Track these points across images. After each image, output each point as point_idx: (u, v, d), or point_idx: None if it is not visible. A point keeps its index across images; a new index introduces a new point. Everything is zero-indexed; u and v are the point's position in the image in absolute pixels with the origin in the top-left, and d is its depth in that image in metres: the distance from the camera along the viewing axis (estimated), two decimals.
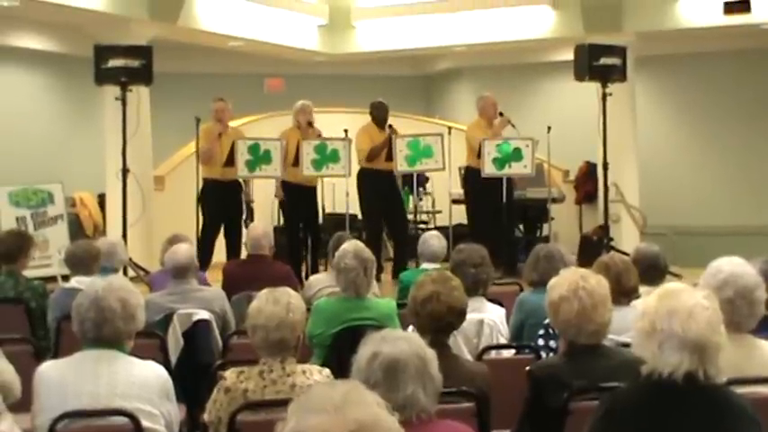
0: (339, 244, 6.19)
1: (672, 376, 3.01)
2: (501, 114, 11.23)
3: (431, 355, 3.02)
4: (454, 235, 10.59)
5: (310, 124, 10.76)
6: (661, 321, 3.04)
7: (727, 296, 3.88)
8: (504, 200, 10.81)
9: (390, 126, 11.09)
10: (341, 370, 3.71)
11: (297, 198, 10.72)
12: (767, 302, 4.07)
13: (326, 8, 14.60)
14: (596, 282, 4.01)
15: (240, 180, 10.66)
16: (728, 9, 12.43)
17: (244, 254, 10.00)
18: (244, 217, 10.83)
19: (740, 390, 3.40)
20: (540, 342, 4.97)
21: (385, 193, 10.97)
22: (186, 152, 12.40)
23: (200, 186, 10.55)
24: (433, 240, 7.47)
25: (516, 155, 10.66)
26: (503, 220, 10.88)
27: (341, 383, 2.10)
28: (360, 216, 11.94)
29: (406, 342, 3.00)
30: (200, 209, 10.45)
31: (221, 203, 10.39)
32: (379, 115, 11.12)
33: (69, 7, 10.91)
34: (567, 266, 4.50)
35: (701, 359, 3.01)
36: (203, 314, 6.08)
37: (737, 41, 14.08)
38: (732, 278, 3.98)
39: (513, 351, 5.37)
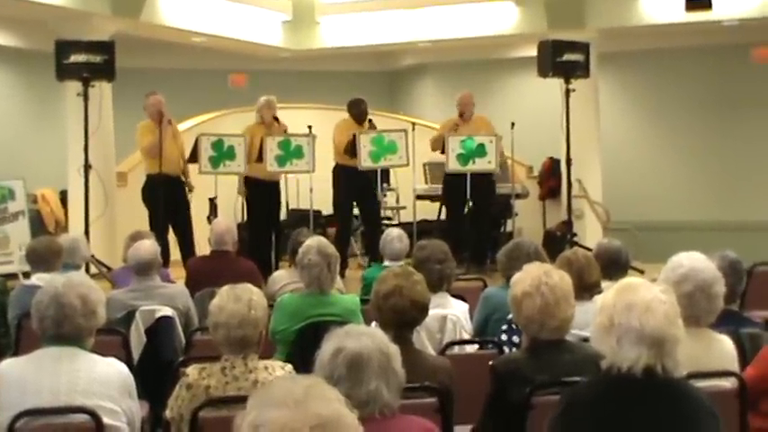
0: (299, 240, 6.18)
1: (631, 370, 3.03)
2: (370, 121, 11.22)
3: (394, 350, 3.02)
4: (418, 231, 10.61)
5: (276, 119, 10.73)
6: (619, 316, 3.06)
7: (687, 290, 3.91)
8: (477, 196, 10.80)
9: (370, 120, 11.11)
10: (304, 366, 3.71)
11: (260, 194, 10.69)
12: (726, 297, 4.11)
13: (290, 4, 14.56)
14: (559, 278, 4.02)
15: (182, 176, 10.55)
16: (690, 6, 12.51)
17: (198, 248, 10.01)
18: (206, 213, 10.76)
19: (699, 383, 3.44)
20: (504, 337, 4.99)
21: (359, 188, 10.96)
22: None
23: (144, 182, 10.43)
24: (395, 243, 7.44)
25: (480, 151, 10.68)
26: (470, 216, 10.87)
27: (302, 378, 2.09)
28: (324, 212, 11.94)
29: (369, 337, 3.01)
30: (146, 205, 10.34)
31: (169, 198, 10.18)
32: (357, 112, 11.10)
33: (30, 2, 10.83)
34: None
35: (658, 353, 3.03)
36: (166, 311, 6.06)
37: (699, 38, 14.20)
38: (692, 273, 4.02)
39: (476, 346, 5.39)
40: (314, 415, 1.92)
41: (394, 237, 7.54)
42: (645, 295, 3.08)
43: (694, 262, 4.07)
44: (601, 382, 3.14)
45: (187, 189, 10.52)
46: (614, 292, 3.14)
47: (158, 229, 9.53)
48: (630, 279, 3.28)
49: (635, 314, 3.04)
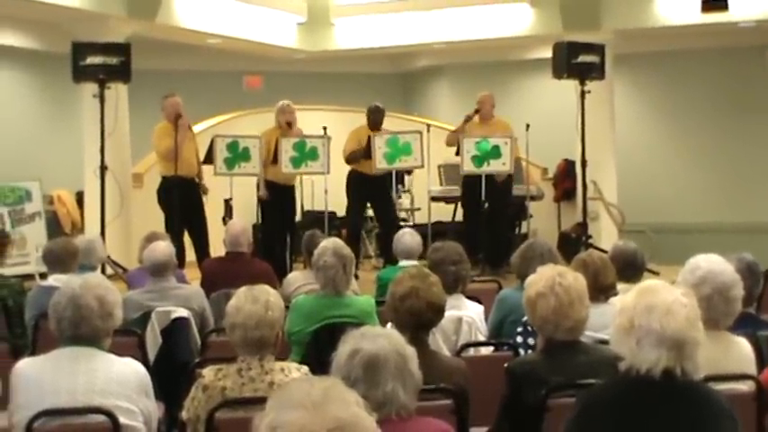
0: (312, 241, 6.18)
1: (650, 373, 3.02)
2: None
3: (410, 352, 3.02)
4: (433, 232, 10.61)
5: (290, 124, 10.72)
6: (639, 318, 3.05)
7: (705, 293, 3.90)
8: (493, 198, 10.78)
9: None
10: (320, 367, 3.71)
11: (277, 196, 10.70)
12: (743, 299, 4.10)
13: (305, 5, 14.58)
14: (573, 278, 4.02)
15: (196, 179, 10.58)
16: (706, 7, 12.47)
17: (213, 250, 10.03)
18: (221, 215, 10.78)
19: (717, 386, 3.43)
20: (519, 339, 4.98)
21: (371, 192, 10.96)
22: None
23: (159, 184, 10.46)
24: (406, 238, 7.46)
25: (495, 152, 10.66)
26: (485, 218, 10.85)
27: (321, 380, 2.08)
28: (339, 213, 11.95)
29: (386, 339, 3.00)
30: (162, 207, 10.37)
31: (185, 200, 10.21)
32: (373, 119, 11.13)
33: (47, 4, 10.85)
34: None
35: (678, 355, 3.02)
36: (182, 312, 6.07)
37: (715, 39, 14.15)
38: (710, 275, 4.01)
39: (491, 348, 5.38)
40: (332, 418, 1.91)
41: (405, 233, 7.56)
42: (666, 297, 3.07)
43: (712, 264, 4.06)
44: (619, 383, 3.13)
45: (201, 191, 10.54)
46: (635, 294, 3.13)
47: (174, 231, 9.55)
48: (651, 281, 3.27)
49: (655, 316, 3.03)
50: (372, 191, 10.99)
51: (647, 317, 3.04)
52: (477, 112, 11.15)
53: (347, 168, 11.15)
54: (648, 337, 3.03)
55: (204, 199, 10.54)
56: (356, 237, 11.19)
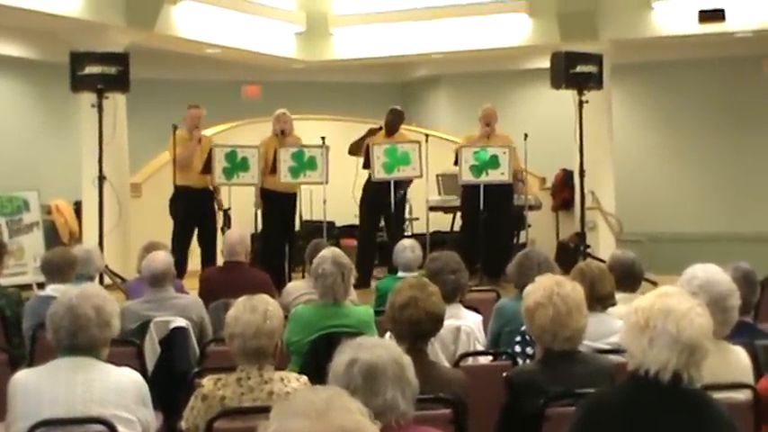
0: (316, 251, 6.17)
1: (658, 375, 3.04)
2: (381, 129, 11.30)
3: (407, 360, 3.03)
4: (431, 242, 10.60)
5: (284, 133, 10.72)
6: (656, 318, 3.07)
7: (702, 302, 3.91)
8: (493, 208, 10.76)
9: (381, 128, 11.16)
10: (318, 377, 3.71)
11: (276, 205, 10.70)
12: (740, 308, 4.10)
13: (304, 15, 14.62)
14: (571, 288, 4.03)
15: (211, 187, 10.64)
16: (703, 17, 12.52)
17: (220, 261, 10.04)
18: (220, 224, 10.79)
19: (715, 395, 3.43)
20: (517, 349, 4.98)
21: (384, 201, 10.88)
22: (163, 159, 12.34)
23: (172, 194, 10.52)
24: (407, 252, 7.45)
25: (493, 162, 10.67)
26: (485, 228, 10.83)
27: (324, 389, 2.09)
28: (338, 223, 11.94)
29: (383, 348, 3.01)
30: (171, 216, 10.43)
31: (194, 211, 10.35)
32: (387, 120, 11.17)
33: (45, 14, 10.87)
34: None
35: (688, 361, 3.04)
36: (180, 322, 6.06)
37: (712, 50, 14.19)
38: (707, 285, 4.02)
39: (489, 358, 5.38)
40: (336, 427, 1.92)
41: (406, 247, 7.54)
42: (684, 304, 3.11)
43: (710, 274, 4.08)
44: (625, 387, 3.15)
45: (217, 206, 10.61)
46: (653, 296, 3.16)
47: (181, 241, 9.63)
48: (669, 287, 3.30)
49: (672, 319, 3.06)
50: (379, 198, 10.87)
51: (663, 318, 3.07)
52: (488, 125, 11.16)
53: (346, 178, 11.10)
54: (662, 337, 3.05)
55: (220, 215, 10.62)
56: (371, 251, 11.14)
